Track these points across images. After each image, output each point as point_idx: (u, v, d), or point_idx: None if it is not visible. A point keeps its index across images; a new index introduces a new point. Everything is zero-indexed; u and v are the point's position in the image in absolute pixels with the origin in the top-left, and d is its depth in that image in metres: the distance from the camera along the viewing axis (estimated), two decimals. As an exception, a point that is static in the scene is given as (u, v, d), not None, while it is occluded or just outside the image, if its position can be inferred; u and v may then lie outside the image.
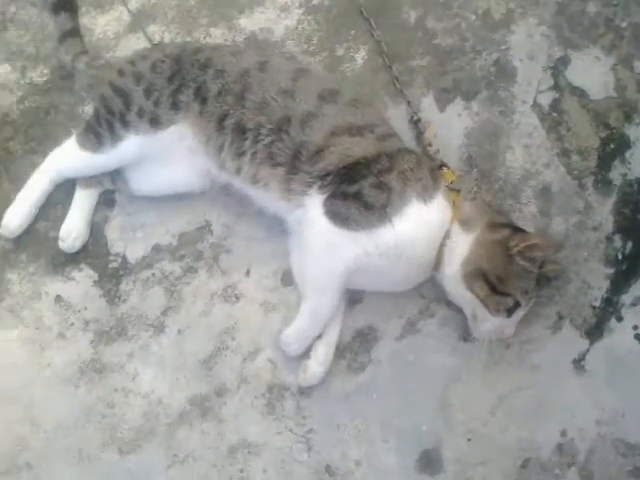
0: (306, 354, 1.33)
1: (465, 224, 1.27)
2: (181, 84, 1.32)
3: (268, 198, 1.33)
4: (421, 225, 1.24)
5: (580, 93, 1.51)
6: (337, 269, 1.25)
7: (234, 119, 1.31)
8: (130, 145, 1.34)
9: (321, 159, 1.27)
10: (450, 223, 1.27)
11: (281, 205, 1.32)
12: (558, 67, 1.53)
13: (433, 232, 1.26)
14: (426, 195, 1.24)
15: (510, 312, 1.25)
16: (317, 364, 1.32)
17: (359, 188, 1.24)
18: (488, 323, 1.26)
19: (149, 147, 1.35)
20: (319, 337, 1.32)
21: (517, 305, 1.24)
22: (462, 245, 1.26)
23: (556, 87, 1.52)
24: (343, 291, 1.31)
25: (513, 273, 1.22)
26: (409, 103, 1.49)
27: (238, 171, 1.33)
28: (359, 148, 1.28)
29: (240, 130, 1.30)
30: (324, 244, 1.26)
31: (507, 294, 1.23)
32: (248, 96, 1.30)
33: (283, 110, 1.29)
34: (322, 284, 1.28)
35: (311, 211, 1.27)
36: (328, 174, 1.27)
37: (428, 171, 1.28)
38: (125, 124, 1.33)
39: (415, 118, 1.47)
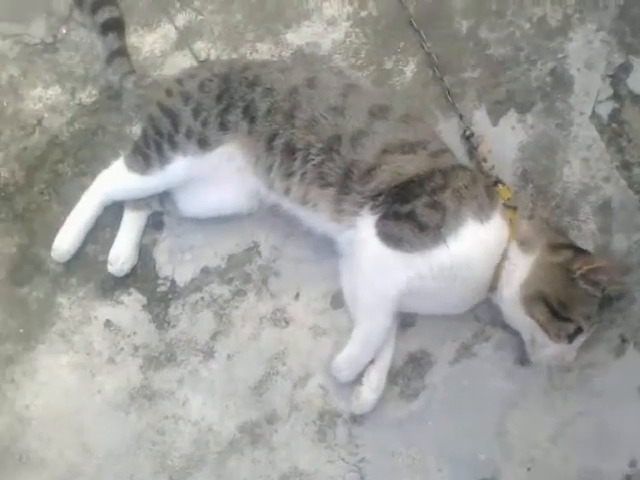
0: (358, 380, 1.38)
1: (523, 244, 1.30)
2: (229, 103, 1.37)
3: (318, 219, 1.38)
4: (477, 245, 1.27)
5: (643, 102, 1.53)
6: (390, 292, 1.29)
7: (284, 139, 1.35)
8: (178, 167, 1.40)
9: (373, 178, 1.31)
10: (507, 242, 1.30)
11: (331, 226, 1.37)
12: (618, 75, 1.54)
13: (490, 253, 1.29)
14: (482, 214, 1.27)
15: (571, 338, 1.27)
16: (370, 391, 1.37)
17: (412, 208, 1.28)
18: (548, 349, 1.29)
19: (197, 169, 1.41)
20: (371, 362, 1.37)
21: (579, 331, 1.27)
22: (521, 267, 1.29)
23: (616, 96, 1.53)
24: (395, 315, 1.36)
25: (576, 297, 1.25)
26: (461, 117, 1.52)
27: (287, 192, 1.38)
28: (411, 166, 1.31)
29: (290, 150, 1.35)
30: (376, 266, 1.30)
31: (569, 320, 1.26)
32: (297, 114, 1.35)
33: (333, 128, 1.34)
34: (374, 308, 1.32)
35: (363, 232, 1.31)
36: (380, 194, 1.31)
37: (484, 188, 1.31)
38: (173, 145, 1.39)
39: (468, 133, 1.50)
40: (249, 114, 1.37)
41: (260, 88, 1.38)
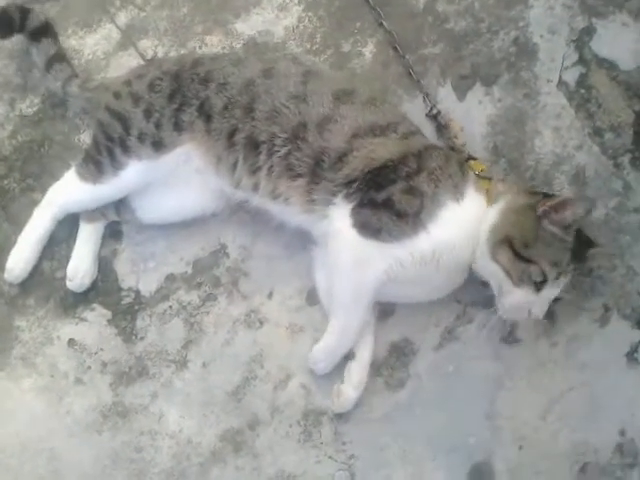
0: (339, 377, 1.78)
1: (495, 199, 1.68)
2: (182, 102, 1.74)
3: (290, 212, 1.74)
4: (457, 226, 1.64)
5: (608, 65, 1.98)
6: (368, 283, 1.67)
7: (244, 133, 1.72)
8: (133, 172, 1.76)
9: (345, 164, 1.67)
10: (483, 212, 1.67)
11: (304, 218, 1.73)
12: (582, 39, 2.00)
13: (469, 229, 1.66)
14: (458, 193, 1.64)
15: (537, 287, 1.61)
16: (351, 388, 1.77)
17: (388, 195, 1.63)
18: (514, 296, 1.61)
19: (154, 172, 1.78)
20: (352, 358, 1.77)
21: (545, 280, 1.60)
22: (491, 216, 1.66)
23: (582, 61, 1.98)
24: (373, 306, 1.76)
25: (539, 238, 1.60)
26: (426, 95, 1.95)
27: (255, 188, 1.74)
28: (384, 150, 1.68)
29: (252, 144, 1.72)
30: (353, 258, 1.66)
31: (531, 261, 1.60)
32: (257, 107, 1.71)
33: (297, 117, 1.70)
34: (351, 299, 1.70)
35: (337, 222, 1.67)
36: (353, 181, 1.67)
37: (457, 165, 1.69)
38: (126, 150, 1.75)
39: (434, 111, 1.93)
40: (204, 112, 1.73)
41: (214, 84, 1.74)
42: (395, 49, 2.00)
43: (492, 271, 1.66)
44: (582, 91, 1.98)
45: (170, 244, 1.93)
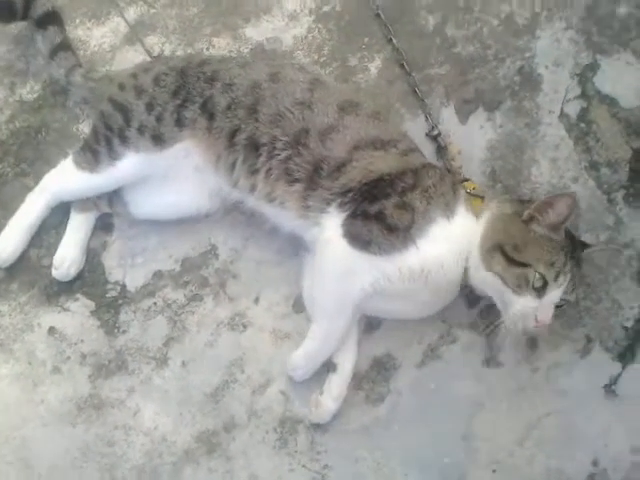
0: (318, 386, 1.91)
1: (481, 212, 1.81)
2: (186, 99, 1.87)
3: (284, 216, 1.88)
4: (447, 242, 1.77)
5: (610, 101, 2.15)
6: (352, 293, 1.79)
7: (246, 134, 1.85)
8: (130, 164, 1.89)
9: (342, 174, 1.81)
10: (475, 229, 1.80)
11: (298, 223, 1.86)
12: (586, 74, 2.17)
13: (459, 247, 1.79)
14: (448, 210, 1.78)
15: (539, 292, 1.71)
16: (330, 399, 1.90)
17: (381, 208, 1.75)
18: (517, 306, 1.72)
19: (151, 166, 1.90)
20: (333, 370, 1.90)
21: (545, 283, 1.70)
22: (480, 228, 1.78)
23: (584, 95, 2.16)
24: (358, 318, 1.90)
25: (530, 241, 1.72)
26: (428, 115, 2.11)
27: (252, 189, 1.87)
28: (383, 163, 1.82)
29: (253, 145, 1.85)
30: (341, 267, 1.79)
31: (525, 265, 1.70)
32: (261, 109, 1.85)
33: (300, 122, 1.84)
34: (335, 308, 1.83)
35: (328, 231, 1.79)
36: (349, 190, 1.79)
37: (450, 185, 1.83)
38: (124, 140, 1.87)
39: (435, 132, 2.09)
40: (207, 110, 1.87)
41: (219, 83, 1.88)
42: (402, 66, 2.17)
43: (490, 282, 1.77)
44: (582, 125, 2.15)
45: (160, 241, 2.06)
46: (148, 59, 2.17)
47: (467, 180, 1.97)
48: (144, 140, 1.88)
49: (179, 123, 1.89)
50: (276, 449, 1.96)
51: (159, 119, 1.88)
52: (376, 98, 2.16)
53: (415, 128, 2.14)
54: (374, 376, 2.00)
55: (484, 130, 2.16)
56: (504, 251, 1.74)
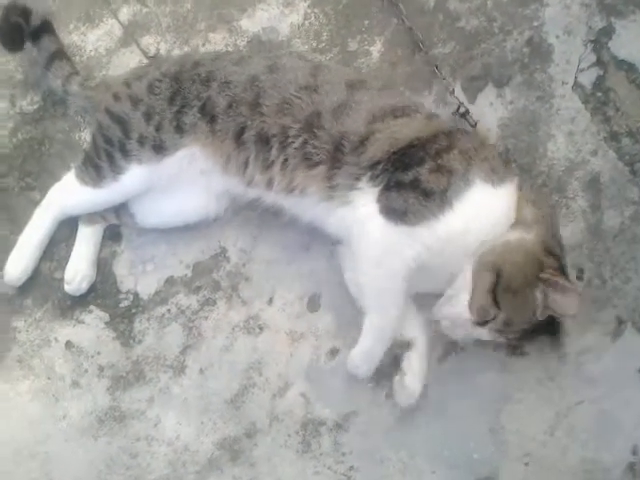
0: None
1: (517, 223, 1.56)
2: (184, 104, 1.68)
3: (306, 204, 1.66)
4: (486, 209, 1.52)
5: (627, 67, 1.87)
6: (399, 274, 1.55)
7: (254, 130, 1.65)
8: (134, 176, 1.71)
9: (368, 147, 1.59)
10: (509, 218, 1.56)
11: (321, 208, 1.64)
12: (600, 40, 1.89)
13: (497, 221, 1.54)
14: (495, 177, 1.53)
15: (481, 323, 1.52)
16: (414, 378, 1.67)
17: (416, 175, 1.53)
18: (454, 311, 1.53)
19: (156, 176, 1.71)
20: (409, 349, 1.68)
21: (494, 328, 1.51)
22: (513, 231, 1.54)
23: (599, 63, 1.88)
24: (407, 295, 1.62)
25: (522, 295, 1.49)
26: (452, 92, 1.84)
27: (269, 184, 1.67)
28: (408, 129, 1.59)
29: (263, 140, 1.65)
30: (381, 247, 1.55)
31: (498, 306, 1.50)
32: (263, 102, 1.65)
33: (309, 107, 1.63)
34: (383, 293, 1.60)
35: (363, 208, 1.57)
36: (378, 162, 1.58)
37: (496, 154, 1.60)
38: (126, 154, 1.69)
39: (462, 110, 1.80)
40: (207, 113, 1.67)
41: (215, 84, 1.68)
42: (419, 46, 1.90)
43: (462, 276, 1.56)
44: (599, 94, 1.88)
45: (170, 247, 1.88)
46: (145, 60, 1.96)
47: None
48: (145, 151, 1.70)
49: (179, 130, 1.69)
50: (299, 453, 1.77)
51: (158, 128, 1.69)
52: (379, 82, 1.89)
53: (422, 111, 1.88)
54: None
55: (494, 107, 1.90)
56: (497, 280, 1.51)
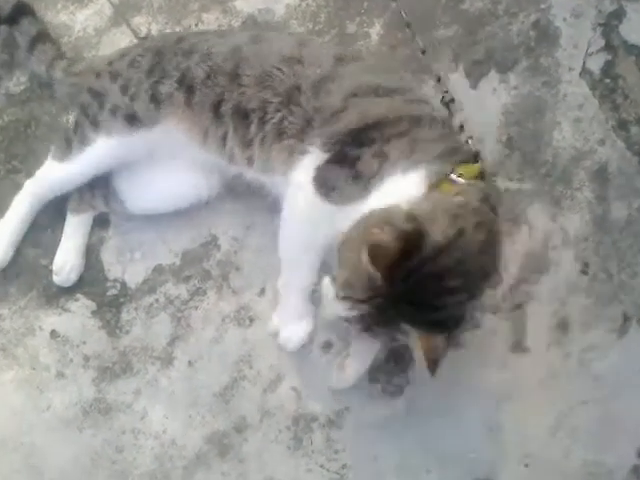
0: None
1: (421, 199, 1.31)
2: (162, 75, 1.52)
3: (282, 183, 1.49)
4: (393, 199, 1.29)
5: (638, 52, 1.71)
6: (313, 247, 1.45)
7: (231, 103, 1.49)
8: (101, 149, 1.56)
9: (337, 121, 1.42)
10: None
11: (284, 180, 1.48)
12: (610, 23, 1.73)
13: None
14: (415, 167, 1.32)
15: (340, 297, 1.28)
16: (356, 361, 1.54)
17: (359, 154, 1.38)
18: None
19: (128, 150, 1.56)
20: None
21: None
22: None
23: (609, 47, 1.72)
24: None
25: (355, 253, 1.24)
26: (439, 79, 1.70)
27: (250, 161, 1.51)
28: (379, 108, 1.42)
29: (242, 114, 1.48)
30: (304, 218, 1.44)
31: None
32: (243, 72, 1.48)
33: (291, 79, 1.46)
34: (297, 262, 1.50)
35: (302, 172, 1.43)
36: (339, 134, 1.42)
37: (446, 150, 1.37)
38: (95, 125, 1.55)
39: (447, 98, 1.67)
40: (185, 84, 1.51)
41: (197, 55, 1.52)
42: (408, 27, 1.74)
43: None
44: (607, 80, 1.72)
45: (159, 234, 1.72)
46: (135, 41, 1.79)
47: (478, 156, 1.46)
48: (116, 121, 1.55)
49: (154, 99, 1.53)
50: (291, 449, 1.61)
51: (133, 98, 1.54)
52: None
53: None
54: (390, 367, 1.62)
55: (497, 94, 1.74)
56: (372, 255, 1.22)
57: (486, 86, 1.73)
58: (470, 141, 1.56)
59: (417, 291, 1.22)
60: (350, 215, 1.32)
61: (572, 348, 1.58)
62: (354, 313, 1.27)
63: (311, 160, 1.43)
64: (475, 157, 1.44)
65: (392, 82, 1.50)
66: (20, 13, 1.72)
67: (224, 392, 1.64)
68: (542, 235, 1.65)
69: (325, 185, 1.40)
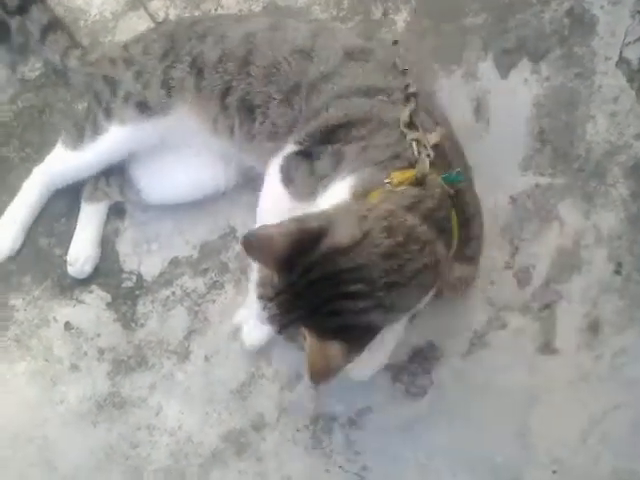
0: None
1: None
2: (175, 60, 1.45)
3: None
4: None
5: (678, 42, 1.60)
6: None
7: (238, 94, 1.41)
8: (114, 138, 1.49)
9: (317, 117, 1.35)
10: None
11: None
12: (650, 11, 1.62)
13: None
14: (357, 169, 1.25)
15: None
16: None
17: (323, 151, 1.33)
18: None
19: (142, 139, 1.50)
20: None
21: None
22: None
23: (647, 36, 1.61)
24: None
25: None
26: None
27: (259, 157, 1.45)
28: (357, 108, 1.33)
29: (247, 108, 1.42)
30: (268, 203, 1.39)
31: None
32: (254, 60, 1.40)
33: (295, 76, 1.38)
34: None
35: (275, 162, 1.38)
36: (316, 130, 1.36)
37: (391, 155, 1.27)
38: (108, 113, 1.49)
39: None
40: (196, 66, 1.44)
41: (211, 38, 1.45)
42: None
43: None
44: (645, 71, 1.62)
45: (176, 225, 1.65)
46: (152, 25, 1.70)
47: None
48: (129, 109, 1.49)
49: (165, 84, 1.46)
50: (309, 449, 1.54)
51: (145, 86, 1.48)
52: (405, 54, 1.62)
53: (450, 85, 1.64)
54: (414, 368, 1.54)
55: (529, 84, 1.63)
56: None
57: (517, 76, 1.63)
58: (415, 144, 1.29)
59: (314, 292, 1.12)
60: (301, 208, 1.29)
61: (603, 350, 1.50)
62: (267, 314, 1.18)
63: (285, 150, 1.38)
64: (414, 162, 1.27)
65: (382, 82, 1.38)
66: (29, 1, 1.64)
67: (241, 389, 1.57)
68: (573, 232, 1.56)
69: (287, 175, 1.36)
